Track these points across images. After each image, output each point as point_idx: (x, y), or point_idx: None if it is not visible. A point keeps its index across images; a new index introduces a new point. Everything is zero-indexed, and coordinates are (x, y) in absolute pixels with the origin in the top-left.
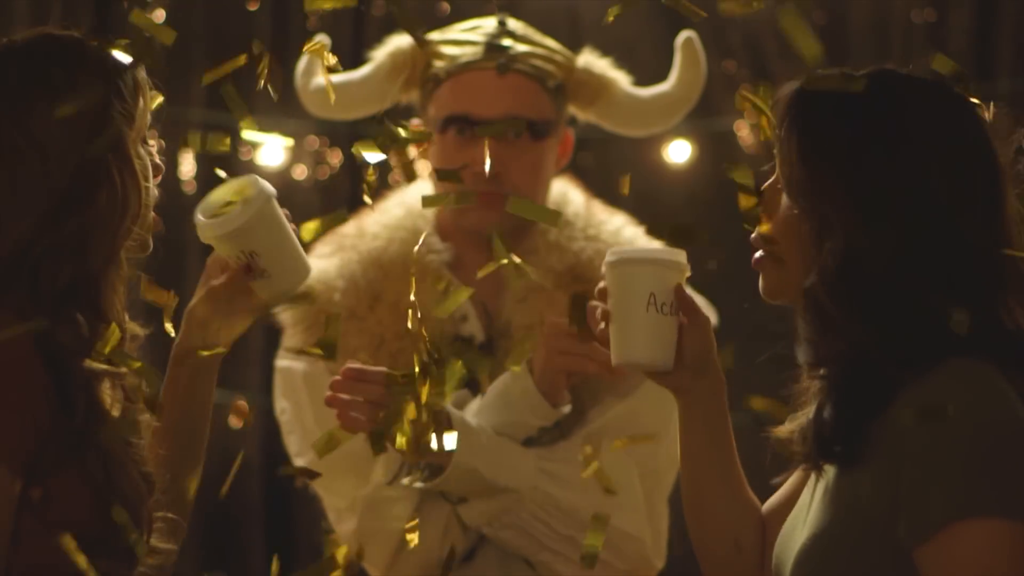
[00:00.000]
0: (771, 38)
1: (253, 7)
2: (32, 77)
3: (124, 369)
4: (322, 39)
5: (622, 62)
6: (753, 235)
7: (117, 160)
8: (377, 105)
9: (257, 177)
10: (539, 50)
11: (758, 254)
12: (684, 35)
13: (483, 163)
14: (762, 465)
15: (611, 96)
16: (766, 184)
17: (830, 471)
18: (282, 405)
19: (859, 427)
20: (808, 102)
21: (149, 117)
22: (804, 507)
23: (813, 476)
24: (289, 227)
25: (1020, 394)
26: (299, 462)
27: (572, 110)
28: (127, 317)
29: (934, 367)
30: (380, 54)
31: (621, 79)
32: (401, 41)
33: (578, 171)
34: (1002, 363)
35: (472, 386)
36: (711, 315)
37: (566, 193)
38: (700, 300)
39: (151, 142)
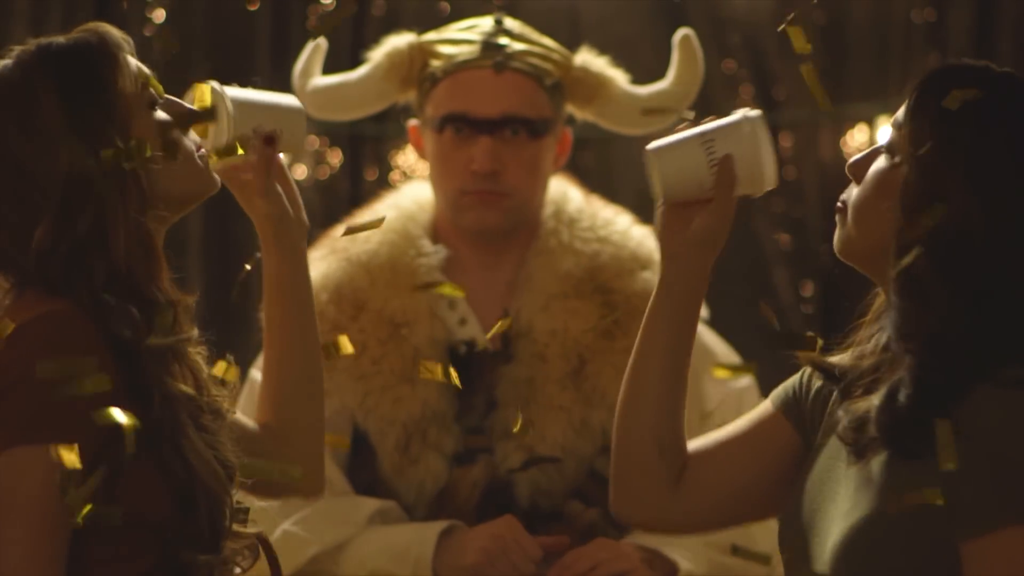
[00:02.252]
0: (771, 38)
1: (253, 7)
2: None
3: (187, 339)
4: (321, 42)
5: (621, 61)
6: (845, 193)
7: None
8: (375, 105)
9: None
10: (536, 48)
11: (839, 206)
12: (681, 33)
13: (481, 162)
14: None
15: (609, 94)
16: (869, 150)
17: (880, 455)
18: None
19: (932, 417)
20: (953, 80)
21: (151, 88)
22: (835, 483)
23: (835, 449)
24: (253, 92)
25: None
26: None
27: (570, 109)
28: (177, 291)
29: (1020, 365)
30: (377, 54)
31: (619, 77)
32: (398, 41)
33: (577, 170)
34: None
35: (483, 392)
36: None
37: (566, 192)
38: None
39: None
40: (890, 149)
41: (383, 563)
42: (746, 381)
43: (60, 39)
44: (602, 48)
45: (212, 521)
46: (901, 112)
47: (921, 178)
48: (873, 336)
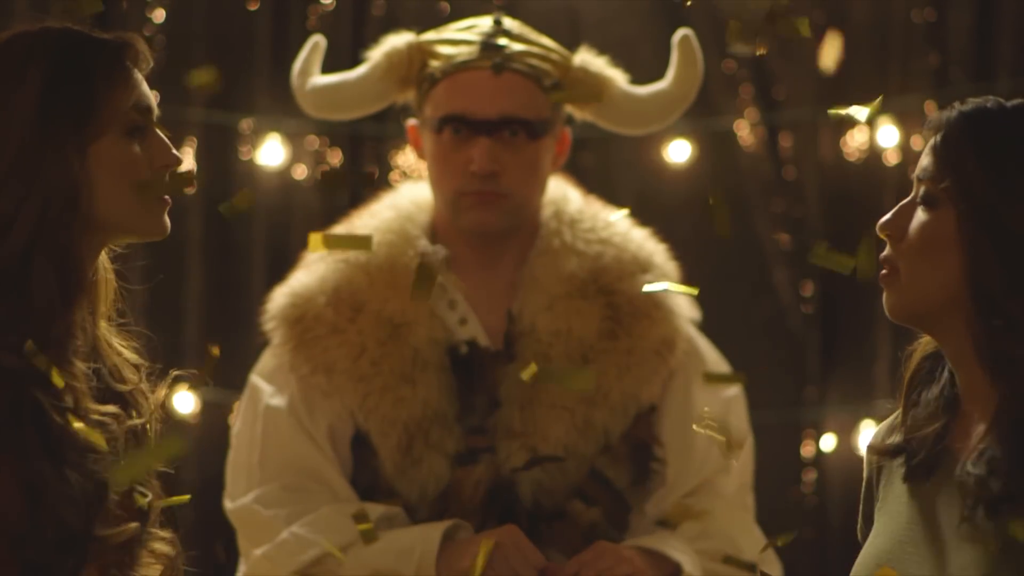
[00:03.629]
0: (771, 38)
1: (253, 7)
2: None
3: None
4: (320, 40)
5: (621, 61)
6: (884, 253)
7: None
8: (374, 105)
9: None
10: (535, 49)
11: (884, 271)
12: (681, 33)
13: (480, 163)
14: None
15: (608, 95)
16: (902, 203)
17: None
18: (237, 424)
19: None
20: (980, 118)
21: (137, 109)
22: (920, 542)
23: (908, 496)
24: None
25: None
26: (227, 503)
27: (569, 109)
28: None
29: None
30: (376, 54)
31: (618, 77)
32: (397, 41)
33: (577, 170)
34: None
35: (485, 391)
36: (693, 312)
37: (565, 192)
38: (683, 301)
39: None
40: (927, 201)
41: (387, 563)
42: (734, 390)
43: (86, 31)
44: (602, 48)
45: (68, 539)
46: (927, 162)
47: (985, 219)
48: (922, 397)
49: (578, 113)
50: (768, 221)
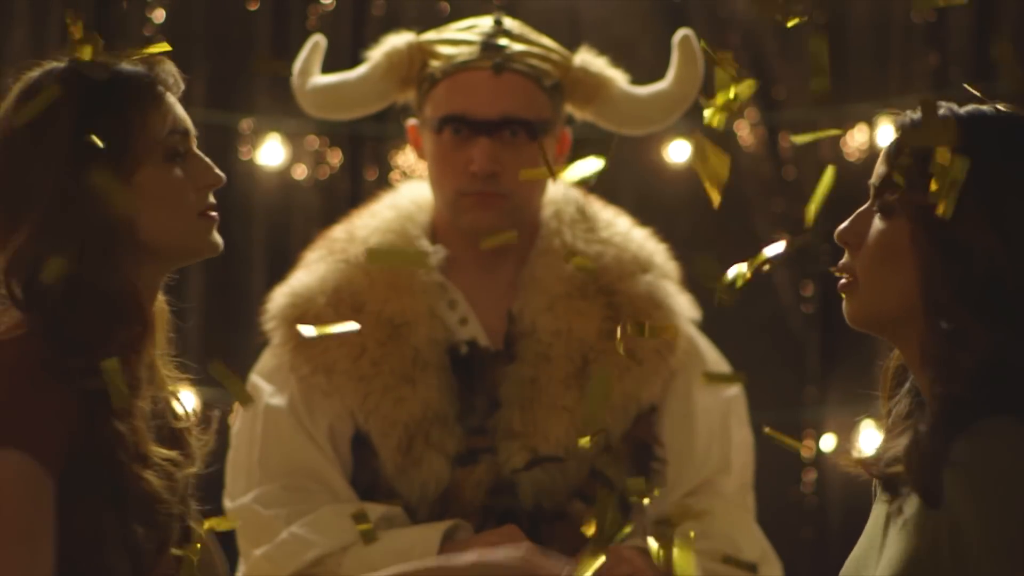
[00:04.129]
0: (771, 38)
1: (253, 7)
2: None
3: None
4: (320, 40)
5: (621, 61)
6: (843, 261)
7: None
8: (374, 105)
9: None
10: (535, 49)
11: (844, 280)
12: (681, 33)
13: (480, 163)
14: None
15: (608, 94)
16: (859, 211)
17: (913, 502)
18: (237, 424)
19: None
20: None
21: (170, 134)
22: (878, 535)
23: (884, 502)
24: None
25: None
26: (227, 503)
27: (570, 109)
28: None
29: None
30: (376, 54)
31: (618, 77)
32: (397, 41)
33: None
34: None
35: (485, 392)
36: (693, 312)
37: (565, 192)
38: (684, 302)
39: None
40: (883, 209)
41: (387, 563)
42: (734, 390)
43: (114, 62)
44: (602, 48)
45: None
46: (883, 170)
47: (935, 229)
48: (895, 409)
49: (578, 113)
50: (768, 221)
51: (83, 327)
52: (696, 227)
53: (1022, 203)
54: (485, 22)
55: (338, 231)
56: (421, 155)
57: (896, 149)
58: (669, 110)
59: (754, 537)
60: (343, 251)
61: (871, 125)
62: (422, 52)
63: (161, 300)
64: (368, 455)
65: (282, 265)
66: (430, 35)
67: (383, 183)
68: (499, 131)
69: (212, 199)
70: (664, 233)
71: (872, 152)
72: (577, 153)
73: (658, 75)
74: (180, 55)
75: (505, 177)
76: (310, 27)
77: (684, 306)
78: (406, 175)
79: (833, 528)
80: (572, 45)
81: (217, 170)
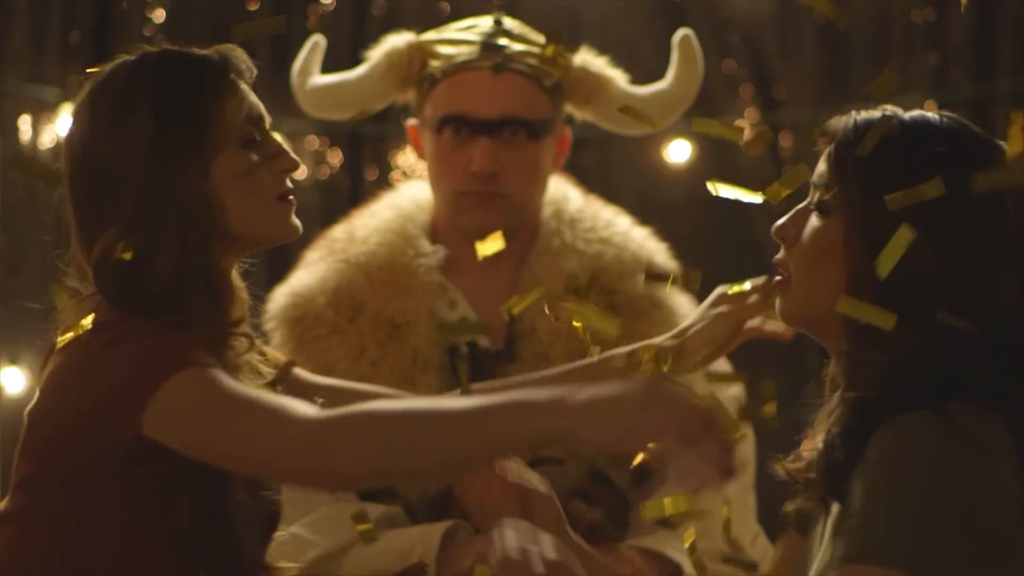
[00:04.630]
0: (771, 38)
1: (253, 7)
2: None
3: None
4: (319, 40)
5: (621, 61)
6: (778, 256)
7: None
8: (374, 105)
9: None
10: (535, 49)
11: (778, 277)
12: (681, 33)
13: (480, 163)
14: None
15: (608, 94)
16: (798, 208)
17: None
18: None
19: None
20: (871, 129)
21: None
22: (817, 538)
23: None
24: None
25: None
26: None
27: (569, 108)
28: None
29: (939, 403)
30: (376, 53)
31: (618, 77)
32: (397, 40)
33: (577, 170)
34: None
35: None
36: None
37: (565, 192)
38: (684, 301)
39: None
40: (820, 207)
41: (387, 563)
42: (735, 389)
43: (185, 50)
44: (602, 48)
45: (237, 549)
46: (822, 168)
47: (866, 230)
48: (826, 410)
49: (578, 113)
50: (768, 221)
51: (186, 314)
52: (696, 227)
53: (950, 208)
54: (485, 22)
55: (338, 231)
56: (421, 155)
57: (835, 150)
58: (669, 110)
59: (755, 537)
60: (343, 251)
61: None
62: (422, 52)
63: (240, 281)
64: None
65: (282, 265)
66: (430, 35)
67: (383, 183)
68: (499, 131)
69: (289, 183)
70: (664, 233)
71: None
72: (577, 153)
73: (658, 75)
74: None
75: (505, 177)
76: (310, 27)
77: (684, 305)
78: (406, 175)
79: None
80: (572, 45)
81: (293, 155)
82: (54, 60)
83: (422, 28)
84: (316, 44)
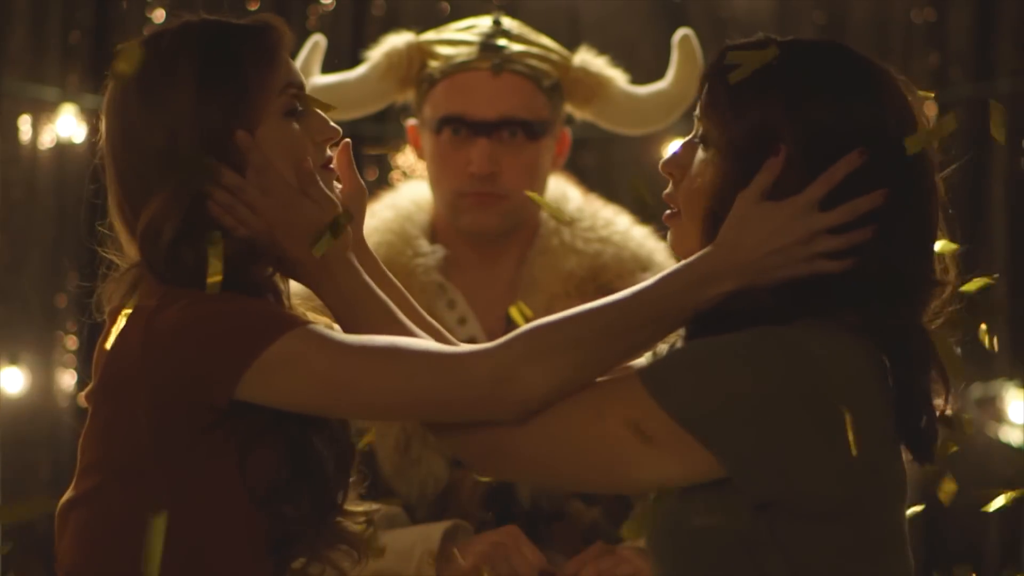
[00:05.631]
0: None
1: (253, 7)
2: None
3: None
4: (320, 40)
5: (621, 61)
6: (666, 191)
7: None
8: (374, 105)
9: None
10: (534, 49)
11: (669, 211)
12: (681, 33)
13: (479, 164)
14: None
15: (608, 94)
16: (684, 141)
17: None
18: None
19: None
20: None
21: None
22: None
23: None
24: None
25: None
26: None
27: (569, 109)
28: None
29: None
30: (376, 54)
31: (618, 77)
32: (397, 41)
33: (577, 170)
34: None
35: None
36: None
37: (565, 191)
38: None
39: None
40: (703, 140)
41: (387, 563)
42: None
43: (225, 19)
44: (602, 48)
45: (321, 493)
46: (704, 101)
47: (736, 158)
48: None
49: (578, 113)
50: None
51: (237, 275)
52: None
53: (826, 138)
54: (484, 22)
55: None
56: (420, 155)
57: (706, 81)
58: (669, 110)
59: None
60: None
61: None
62: (421, 52)
63: None
64: (366, 455)
65: None
66: (430, 35)
67: (383, 183)
68: (498, 132)
69: (330, 152)
70: (664, 232)
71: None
72: (577, 153)
73: (658, 75)
74: None
75: (504, 177)
76: (310, 27)
77: None
78: (406, 175)
79: None
80: (572, 45)
81: (333, 123)
82: (54, 60)
83: (422, 28)
84: (316, 44)
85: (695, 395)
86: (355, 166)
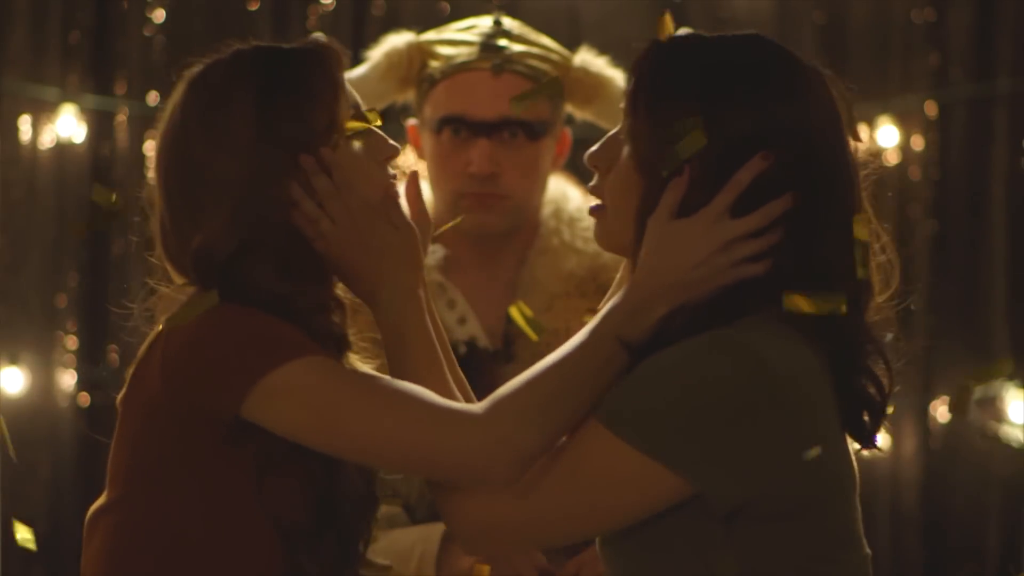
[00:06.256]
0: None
1: (253, 7)
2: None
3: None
4: (320, 39)
5: (622, 61)
6: (592, 183)
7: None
8: (373, 105)
9: None
10: (535, 49)
11: (595, 203)
12: (681, 33)
13: (479, 164)
14: None
15: (608, 95)
16: (610, 134)
17: None
18: None
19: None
20: (656, 58)
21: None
22: None
23: None
24: None
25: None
26: None
27: (570, 109)
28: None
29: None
30: (376, 53)
31: (618, 77)
32: (397, 41)
33: (577, 170)
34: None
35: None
36: None
37: (565, 191)
38: None
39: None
40: (628, 135)
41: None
42: None
43: (279, 45)
44: (602, 48)
45: (344, 541)
46: (627, 96)
47: (648, 158)
48: None
49: (578, 113)
50: None
51: (289, 307)
52: None
53: (738, 145)
54: (485, 23)
55: None
56: (421, 155)
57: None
58: None
59: None
60: None
61: (871, 125)
62: (422, 52)
63: None
64: None
65: None
66: (430, 35)
67: None
68: (498, 132)
69: (391, 171)
70: None
71: (872, 152)
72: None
73: None
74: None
75: (504, 178)
76: (310, 27)
77: None
78: (406, 175)
79: None
80: (572, 45)
81: (392, 142)
82: (54, 60)
83: (422, 28)
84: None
85: (651, 421)
86: (423, 196)
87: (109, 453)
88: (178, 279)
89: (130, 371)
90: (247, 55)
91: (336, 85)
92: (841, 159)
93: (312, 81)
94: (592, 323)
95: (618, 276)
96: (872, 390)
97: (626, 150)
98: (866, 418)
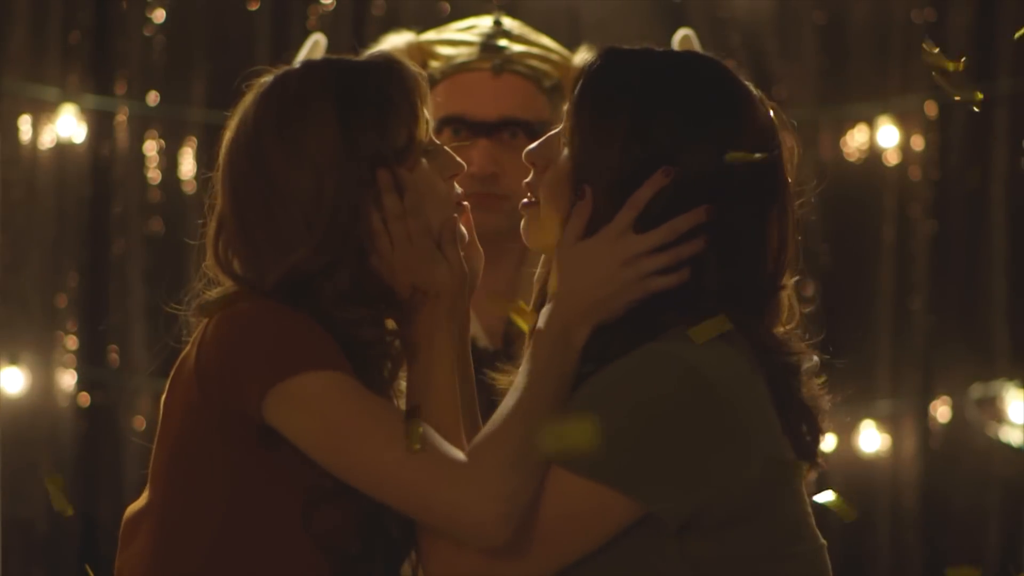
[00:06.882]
0: (771, 38)
1: (253, 7)
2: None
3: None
4: (320, 39)
5: None
6: (527, 180)
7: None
8: None
9: None
10: (535, 50)
11: (526, 199)
12: (681, 33)
13: (480, 165)
14: None
15: None
16: (550, 133)
17: None
18: None
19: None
20: (599, 67)
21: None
22: None
23: None
24: None
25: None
26: None
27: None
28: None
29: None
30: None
31: None
32: (397, 40)
33: None
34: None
35: (483, 391)
36: None
37: None
38: None
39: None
40: (567, 137)
41: None
42: None
43: (354, 59)
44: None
45: (391, 563)
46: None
47: (580, 165)
48: None
49: None
50: None
51: (352, 327)
52: None
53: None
54: (485, 23)
55: None
56: None
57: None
58: None
59: None
60: None
61: (871, 125)
62: (422, 52)
63: None
64: None
65: None
66: (430, 35)
67: None
68: (498, 132)
69: (458, 187)
70: None
71: (872, 152)
72: None
73: None
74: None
75: (505, 178)
76: (310, 27)
77: None
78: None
79: (833, 527)
80: (572, 45)
81: (458, 158)
82: (54, 60)
83: (422, 28)
84: (316, 43)
85: (602, 451)
86: (475, 231)
87: (150, 453)
88: (225, 282)
89: (171, 372)
90: (322, 67)
91: (414, 103)
92: (769, 173)
93: (392, 96)
94: (524, 364)
95: (536, 272)
96: (804, 405)
97: (564, 152)
98: (804, 429)
